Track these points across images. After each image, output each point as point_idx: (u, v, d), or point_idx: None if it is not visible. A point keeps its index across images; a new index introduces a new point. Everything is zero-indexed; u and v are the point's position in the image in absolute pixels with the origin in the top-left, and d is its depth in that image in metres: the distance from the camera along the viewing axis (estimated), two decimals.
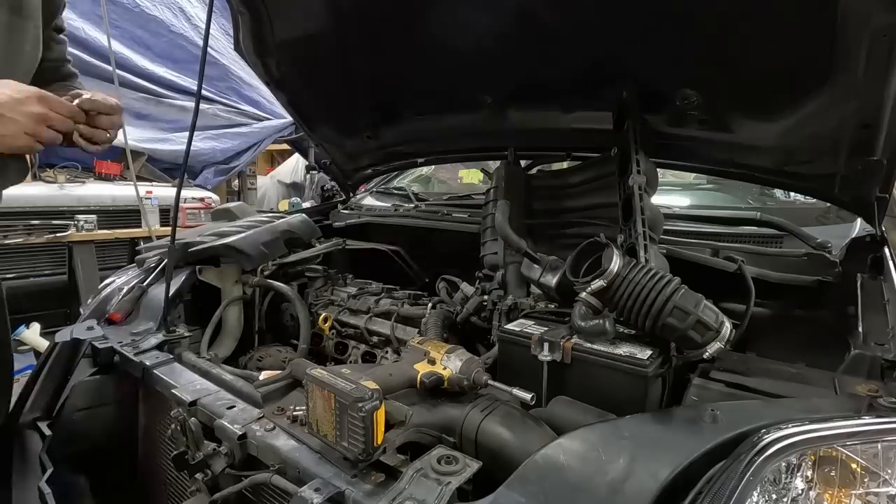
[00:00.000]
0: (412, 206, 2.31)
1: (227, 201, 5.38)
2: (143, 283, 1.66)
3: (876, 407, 0.81)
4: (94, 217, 3.71)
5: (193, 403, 1.06)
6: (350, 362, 1.58)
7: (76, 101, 1.17)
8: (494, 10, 1.38)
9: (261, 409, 1.00)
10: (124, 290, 1.64)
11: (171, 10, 4.83)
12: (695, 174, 2.29)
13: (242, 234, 1.76)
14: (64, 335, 1.46)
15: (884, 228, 1.29)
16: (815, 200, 1.71)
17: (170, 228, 1.39)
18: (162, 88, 4.82)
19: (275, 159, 7.49)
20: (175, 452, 1.05)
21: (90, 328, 1.46)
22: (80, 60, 4.06)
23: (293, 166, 6.12)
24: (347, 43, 1.69)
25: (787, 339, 1.25)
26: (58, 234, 3.54)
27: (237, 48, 1.73)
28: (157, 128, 4.83)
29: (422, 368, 0.99)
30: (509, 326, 1.17)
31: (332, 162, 2.26)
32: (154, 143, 4.74)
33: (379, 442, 0.80)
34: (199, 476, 0.97)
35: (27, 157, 1.20)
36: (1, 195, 1.26)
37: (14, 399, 1.47)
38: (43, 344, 3.14)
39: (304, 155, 2.20)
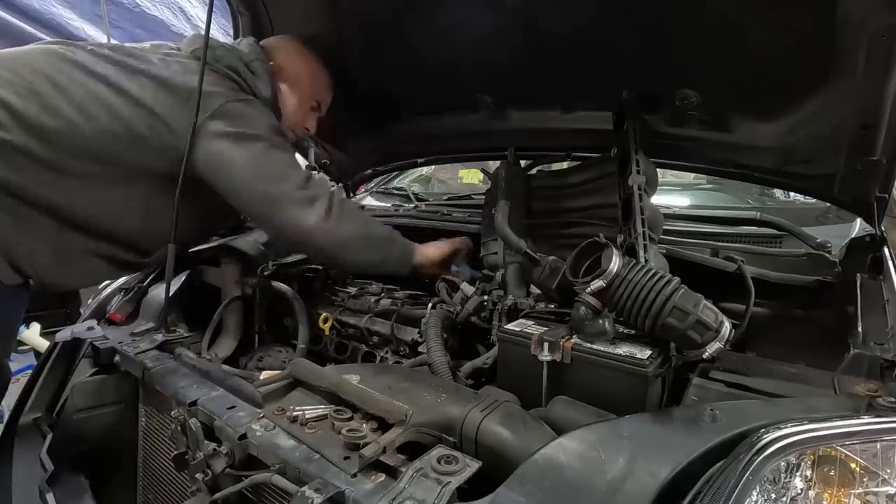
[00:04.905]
0: (412, 206, 2.31)
1: None
2: (143, 283, 1.66)
3: (875, 406, 0.81)
4: None
5: (193, 403, 1.06)
6: (350, 362, 1.58)
7: None
8: (495, 13, 1.38)
9: (261, 409, 1.00)
10: (124, 291, 1.64)
11: (171, 10, 4.82)
12: (695, 174, 2.29)
13: (242, 235, 1.77)
14: (64, 335, 1.46)
15: (883, 228, 1.29)
16: (815, 200, 1.72)
17: None
18: None
19: None
20: (175, 452, 1.05)
21: (90, 328, 1.46)
22: None
23: None
24: (347, 43, 1.69)
25: (787, 339, 1.25)
26: None
27: None
28: None
29: None
30: (509, 326, 1.17)
31: (332, 162, 2.26)
32: None
33: None
34: (199, 476, 0.97)
35: None
36: None
37: (14, 399, 1.47)
38: (43, 344, 3.13)
39: (304, 155, 2.20)
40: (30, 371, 1.54)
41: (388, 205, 2.47)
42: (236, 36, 1.72)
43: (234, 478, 0.94)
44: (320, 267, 1.90)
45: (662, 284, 0.97)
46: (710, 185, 2.31)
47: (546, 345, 1.05)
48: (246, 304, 1.76)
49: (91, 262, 1.33)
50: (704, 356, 0.95)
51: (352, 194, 2.53)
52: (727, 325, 0.95)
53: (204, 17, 1.50)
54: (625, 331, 1.08)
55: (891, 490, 0.68)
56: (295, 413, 0.95)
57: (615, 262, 1.01)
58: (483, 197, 1.82)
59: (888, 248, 1.26)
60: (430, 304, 1.53)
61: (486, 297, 1.45)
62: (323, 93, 1.67)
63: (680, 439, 0.77)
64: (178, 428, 1.04)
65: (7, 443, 1.38)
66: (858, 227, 1.54)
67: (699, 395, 0.95)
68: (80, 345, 1.47)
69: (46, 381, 1.46)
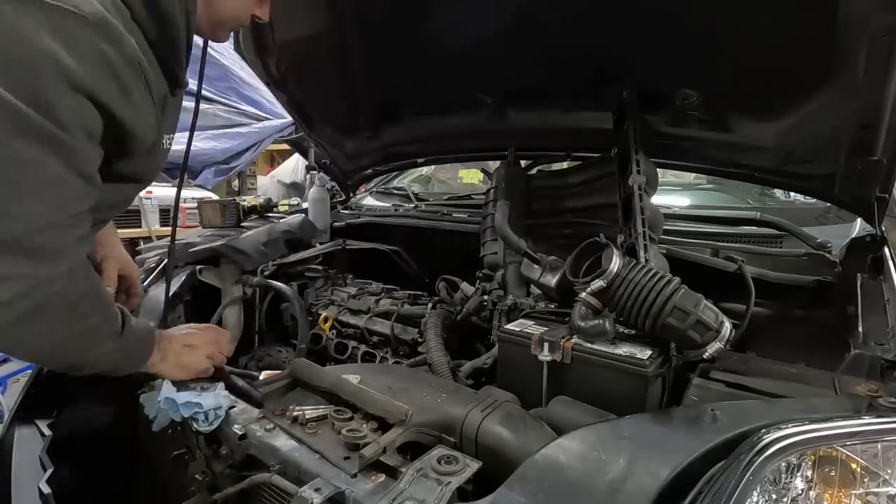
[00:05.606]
0: (412, 206, 2.31)
1: None
2: (143, 283, 1.65)
3: (876, 407, 0.81)
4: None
5: None
6: (350, 362, 1.58)
7: None
8: (494, 11, 1.38)
9: (261, 409, 1.00)
10: None
11: None
12: (695, 174, 2.28)
13: (242, 235, 1.77)
14: None
15: (884, 228, 1.29)
16: (815, 200, 1.71)
17: (170, 228, 1.39)
18: None
19: (275, 159, 7.49)
20: (175, 452, 1.05)
21: None
22: None
23: (293, 166, 6.10)
24: (347, 43, 1.69)
25: (787, 339, 1.25)
26: None
27: (237, 48, 1.73)
28: None
29: None
30: (509, 326, 1.17)
31: (332, 162, 2.26)
32: None
33: None
34: (199, 476, 0.97)
35: None
36: None
37: (14, 399, 1.47)
38: None
39: (304, 155, 2.20)
40: (30, 371, 1.53)
41: (388, 205, 2.47)
42: (236, 36, 1.71)
43: (234, 478, 0.94)
44: (321, 268, 1.90)
45: (663, 284, 0.97)
46: (710, 185, 2.31)
47: (546, 345, 1.05)
48: (246, 304, 1.76)
49: None
50: (705, 356, 0.95)
51: (352, 194, 2.53)
52: (727, 325, 0.95)
53: None
54: (625, 331, 1.08)
55: (891, 491, 0.68)
56: (295, 413, 0.95)
57: (615, 262, 1.01)
58: (483, 197, 1.82)
59: (888, 248, 1.26)
60: (430, 304, 1.53)
61: (486, 297, 1.46)
62: None
63: (680, 440, 0.77)
64: (178, 428, 1.04)
65: (7, 443, 1.37)
66: (859, 227, 1.54)
67: (699, 396, 0.95)
68: None
69: (46, 381, 1.45)
